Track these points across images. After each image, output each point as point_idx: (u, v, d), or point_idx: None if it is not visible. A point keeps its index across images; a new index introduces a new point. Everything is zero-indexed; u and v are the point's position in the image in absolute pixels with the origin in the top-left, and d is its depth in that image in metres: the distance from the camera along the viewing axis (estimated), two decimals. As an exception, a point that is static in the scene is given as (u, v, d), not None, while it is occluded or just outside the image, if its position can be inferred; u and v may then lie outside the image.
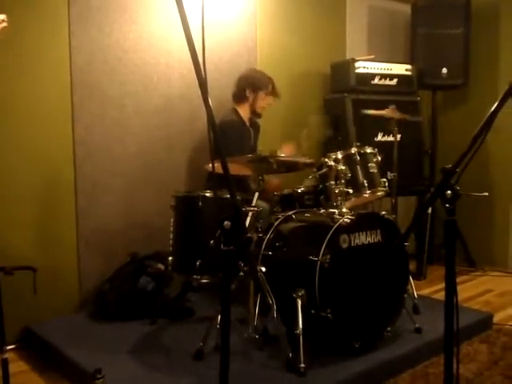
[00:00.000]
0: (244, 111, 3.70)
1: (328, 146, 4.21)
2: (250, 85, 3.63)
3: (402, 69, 4.52)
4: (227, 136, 3.37)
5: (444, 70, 4.60)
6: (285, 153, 3.49)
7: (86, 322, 3.21)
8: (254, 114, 3.73)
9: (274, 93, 3.69)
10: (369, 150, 3.15)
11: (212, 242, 2.54)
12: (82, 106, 3.33)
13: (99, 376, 2.05)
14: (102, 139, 3.43)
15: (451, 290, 1.52)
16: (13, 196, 3.11)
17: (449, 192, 1.48)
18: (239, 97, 3.68)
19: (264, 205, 3.22)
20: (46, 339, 2.94)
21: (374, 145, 3.25)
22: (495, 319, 3.36)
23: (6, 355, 2.33)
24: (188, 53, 1.37)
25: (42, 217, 3.22)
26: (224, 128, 3.43)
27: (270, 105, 3.73)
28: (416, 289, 3.40)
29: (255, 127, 3.82)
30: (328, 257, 2.54)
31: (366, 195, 3.07)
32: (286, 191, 3.19)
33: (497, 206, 4.88)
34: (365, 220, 2.78)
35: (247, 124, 3.72)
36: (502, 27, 4.78)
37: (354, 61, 4.32)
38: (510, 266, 4.75)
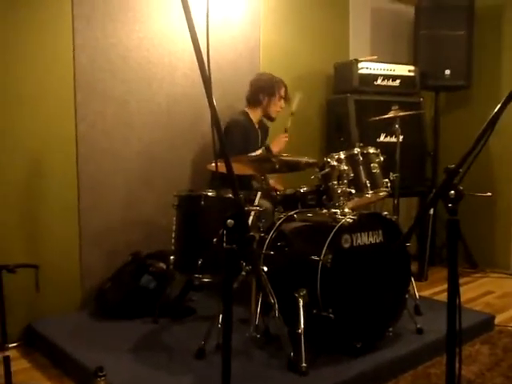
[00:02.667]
0: (255, 114, 3.71)
1: (330, 146, 4.21)
2: (265, 89, 3.64)
3: (404, 70, 4.52)
4: (230, 135, 3.44)
5: (447, 72, 4.60)
6: (276, 144, 3.65)
7: (87, 320, 3.22)
8: (268, 117, 3.76)
9: (286, 97, 3.70)
10: (371, 150, 3.15)
11: (215, 240, 2.55)
12: (85, 104, 3.34)
13: (101, 374, 2.05)
14: (104, 138, 3.44)
15: (454, 288, 1.52)
16: (15, 194, 3.12)
17: (452, 192, 1.48)
18: (253, 101, 3.69)
19: (267, 204, 3.23)
20: (48, 337, 2.94)
21: (377, 145, 3.26)
22: (497, 321, 3.35)
23: (9, 353, 2.34)
24: (191, 52, 1.38)
25: (45, 215, 3.22)
26: (228, 127, 3.49)
27: (283, 108, 3.74)
28: (417, 290, 3.39)
29: (264, 129, 3.84)
30: (330, 257, 2.54)
31: (369, 195, 3.07)
32: (288, 191, 3.20)
33: (499, 208, 4.87)
34: (367, 220, 2.78)
35: (256, 126, 3.73)
36: (505, 29, 4.77)
37: (357, 61, 4.32)
38: (512, 268, 4.75)
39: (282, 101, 3.70)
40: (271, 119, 3.77)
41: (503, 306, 3.80)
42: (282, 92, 3.68)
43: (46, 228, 3.24)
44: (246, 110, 3.71)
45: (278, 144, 3.70)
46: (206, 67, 1.41)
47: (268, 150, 3.70)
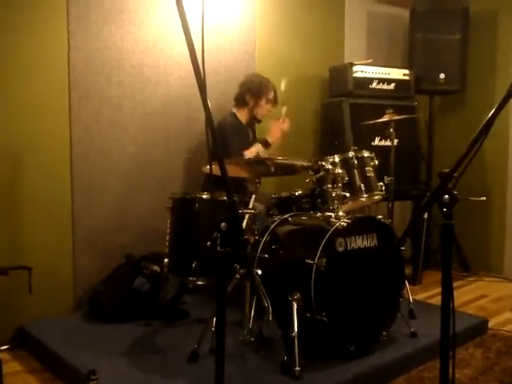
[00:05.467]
0: (243, 116, 3.70)
1: (325, 150, 4.22)
2: (251, 90, 3.62)
3: (399, 73, 4.53)
4: (224, 136, 3.43)
5: (441, 76, 4.61)
6: (273, 133, 3.62)
7: (80, 322, 3.20)
8: (254, 119, 3.73)
9: (275, 100, 3.69)
10: (366, 153, 3.15)
11: (208, 243, 2.53)
12: (79, 106, 3.32)
13: (93, 377, 2.04)
14: (99, 140, 3.42)
15: (447, 293, 1.52)
16: (9, 195, 3.10)
17: (446, 196, 1.48)
18: (240, 101, 3.68)
19: (261, 207, 3.22)
20: (41, 340, 2.92)
21: (371, 149, 3.26)
22: (490, 324, 3.36)
23: (0, 355, 2.33)
24: (187, 55, 1.37)
25: (38, 216, 3.21)
26: (220, 128, 3.48)
27: (270, 112, 3.73)
28: (411, 293, 3.39)
29: (253, 130, 3.82)
30: (324, 260, 2.54)
31: (363, 199, 3.07)
32: (283, 194, 3.20)
33: (493, 212, 4.88)
34: (361, 224, 2.78)
35: (245, 125, 3.72)
36: (500, 34, 4.79)
37: (352, 65, 4.32)
38: (506, 272, 4.75)
39: (270, 104, 3.68)
40: (257, 121, 3.76)
41: (496, 309, 3.80)
42: (271, 95, 3.66)
43: (39, 230, 3.21)
44: (234, 110, 3.70)
45: (273, 133, 3.65)
46: (201, 70, 1.41)
47: (265, 142, 3.64)
